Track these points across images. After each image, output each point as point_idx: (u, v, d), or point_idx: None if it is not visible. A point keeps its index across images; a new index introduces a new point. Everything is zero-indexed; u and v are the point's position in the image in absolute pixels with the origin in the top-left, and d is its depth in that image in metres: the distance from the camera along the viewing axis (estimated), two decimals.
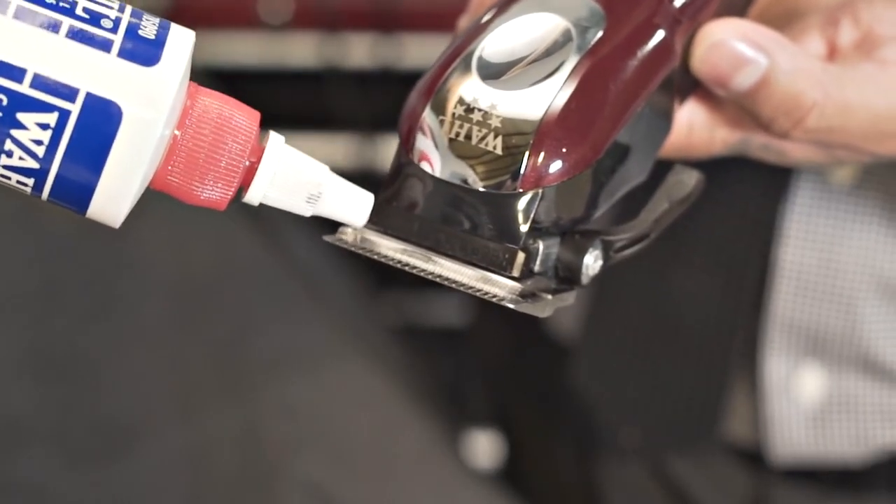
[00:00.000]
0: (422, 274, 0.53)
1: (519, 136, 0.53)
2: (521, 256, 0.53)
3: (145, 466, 0.82)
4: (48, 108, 0.45)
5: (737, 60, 0.57)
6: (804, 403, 0.80)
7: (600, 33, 0.54)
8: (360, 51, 1.44)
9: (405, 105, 0.55)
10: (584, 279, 0.54)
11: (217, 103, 0.48)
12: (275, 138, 0.49)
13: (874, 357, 0.78)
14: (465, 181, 0.53)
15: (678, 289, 0.81)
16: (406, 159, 0.54)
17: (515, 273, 0.53)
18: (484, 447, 1.00)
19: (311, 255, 0.93)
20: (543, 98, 0.53)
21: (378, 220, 0.54)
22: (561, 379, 0.89)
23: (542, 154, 0.52)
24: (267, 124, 0.50)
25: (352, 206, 0.51)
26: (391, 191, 0.55)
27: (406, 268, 0.54)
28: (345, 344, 0.87)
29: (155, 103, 0.46)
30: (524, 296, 0.53)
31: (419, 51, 1.42)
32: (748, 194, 0.78)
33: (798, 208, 0.77)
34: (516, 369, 0.97)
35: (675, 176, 0.58)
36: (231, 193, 0.49)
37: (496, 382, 0.99)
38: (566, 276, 0.54)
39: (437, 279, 0.53)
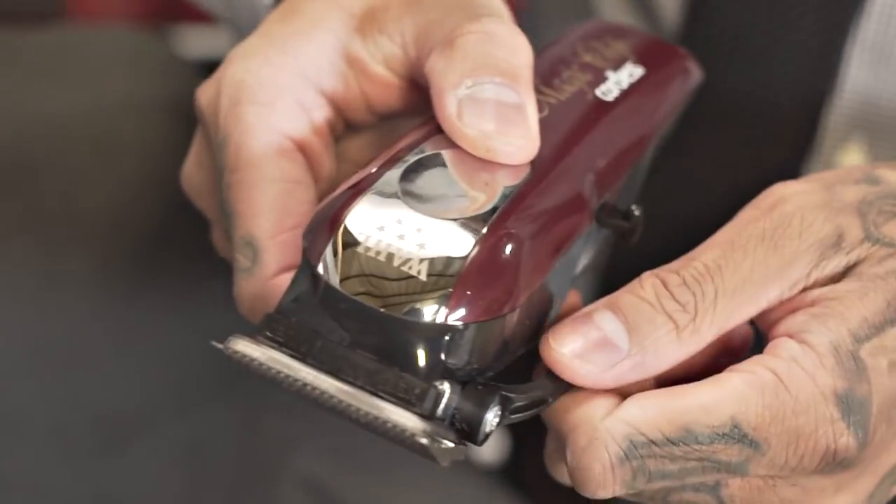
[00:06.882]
0: (319, 398, 0.48)
1: (447, 265, 0.49)
2: (432, 392, 0.48)
3: (143, 461, 0.82)
4: None
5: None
6: None
7: (525, 180, 0.52)
8: None
9: (315, 214, 0.51)
10: (481, 436, 0.50)
11: None
12: None
13: None
14: (378, 303, 0.48)
15: None
16: (312, 271, 0.49)
17: (425, 410, 0.48)
18: (487, 443, 1.00)
19: None
20: (472, 235, 0.49)
21: (275, 335, 0.49)
22: None
23: (469, 288, 0.49)
24: None
25: None
26: (292, 303, 0.50)
27: (302, 389, 0.48)
28: None
29: None
30: (429, 436, 0.48)
31: None
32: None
33: None
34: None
35: None
36: None
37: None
38: (463, 428, 0.49)
39: (337, 405, 0.48)
